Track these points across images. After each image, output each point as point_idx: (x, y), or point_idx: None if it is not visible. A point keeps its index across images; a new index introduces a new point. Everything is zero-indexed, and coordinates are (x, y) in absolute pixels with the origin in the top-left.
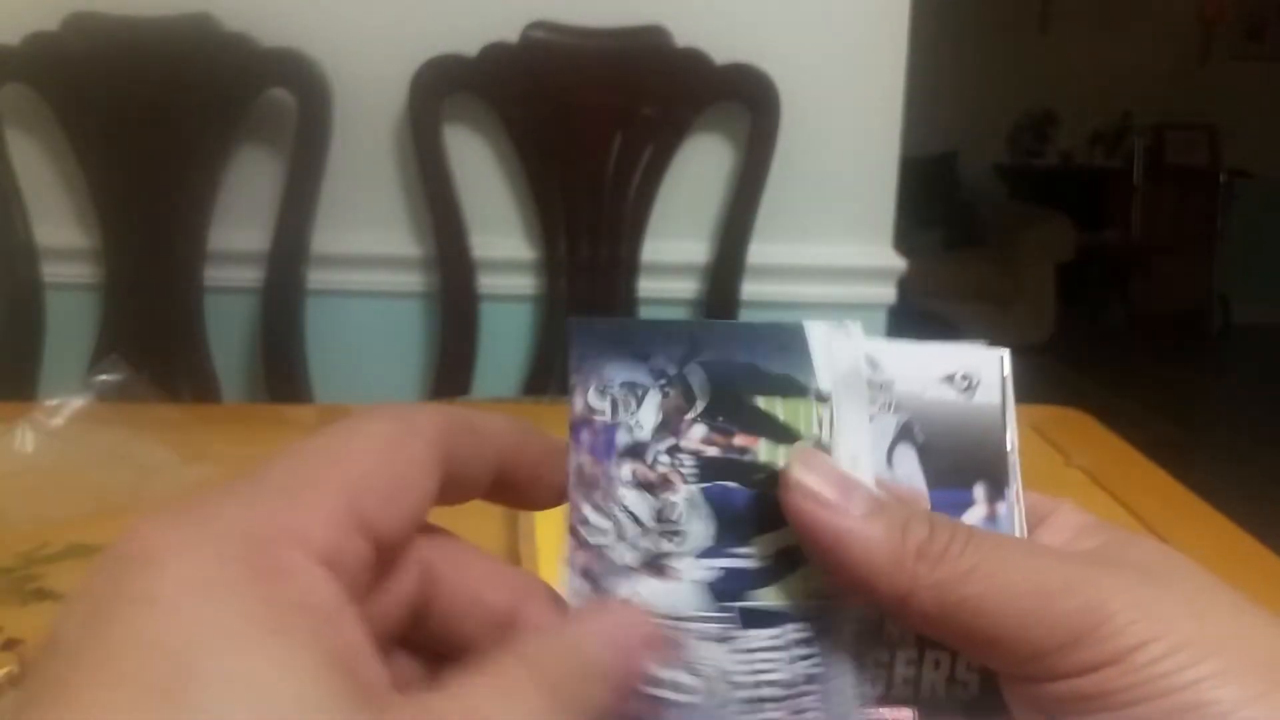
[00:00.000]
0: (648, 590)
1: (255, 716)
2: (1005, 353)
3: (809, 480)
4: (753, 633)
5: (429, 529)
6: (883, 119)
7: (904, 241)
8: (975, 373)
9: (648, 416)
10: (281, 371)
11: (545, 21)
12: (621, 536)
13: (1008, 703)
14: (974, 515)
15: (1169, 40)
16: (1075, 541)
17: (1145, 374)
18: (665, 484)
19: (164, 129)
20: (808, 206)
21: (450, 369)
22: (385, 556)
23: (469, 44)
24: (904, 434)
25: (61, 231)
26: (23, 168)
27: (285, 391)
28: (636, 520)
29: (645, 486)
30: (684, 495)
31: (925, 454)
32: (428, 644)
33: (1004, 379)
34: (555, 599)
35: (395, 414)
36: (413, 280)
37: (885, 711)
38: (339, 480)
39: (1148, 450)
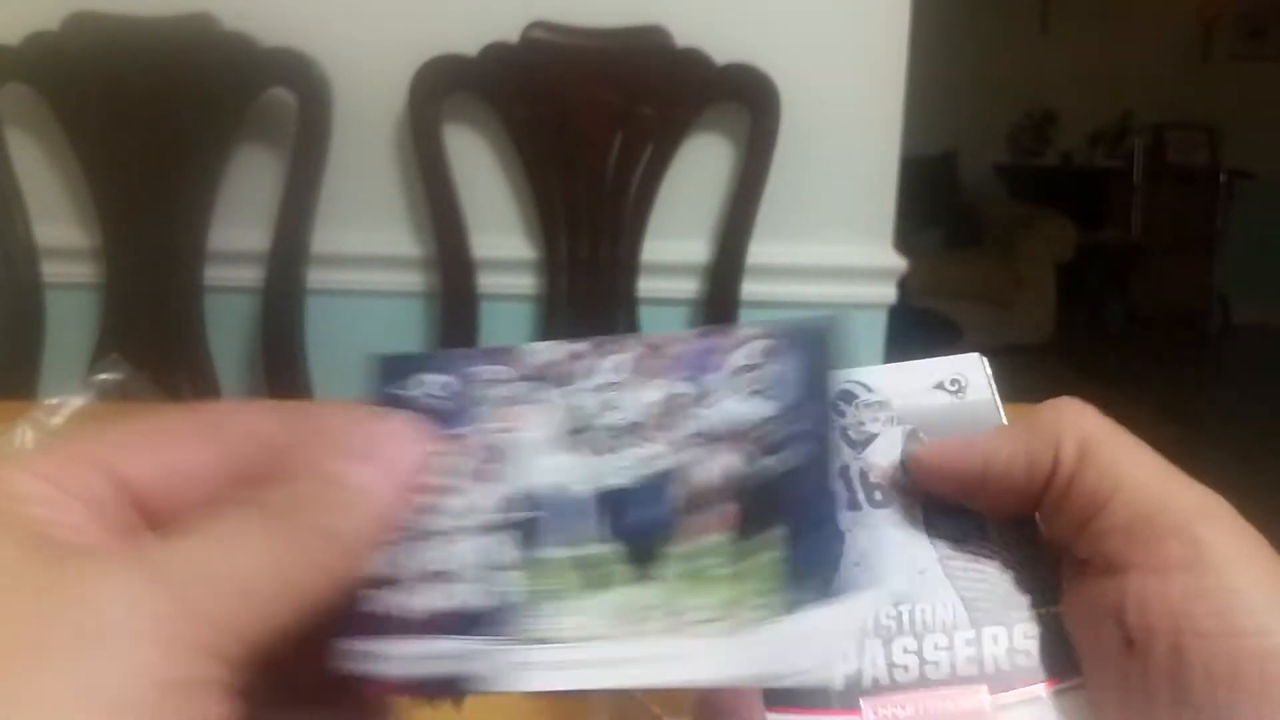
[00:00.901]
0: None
1: None
2: (980, 355)
3: (933, 447)
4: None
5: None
6: (883, 119)
7: (904, 241)
8: (962, 376)
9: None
10: (281, 371)
11: (545, 21)
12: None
13: (1071, 630)
14: None
15: (1169, 40)
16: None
17: (1145, 374)
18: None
19: (164, 129)
20: (808, 206)
21: None
22: (156, 506)
23: (469, 44)
24: (911, 440)
25: (61, 231)
26: (23, 168)
27: (285, 391)
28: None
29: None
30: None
31: None
32: None
33: (988, 377)
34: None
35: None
36: (413, 280)
37: (957, 691)
38: (95, 435)
39: None
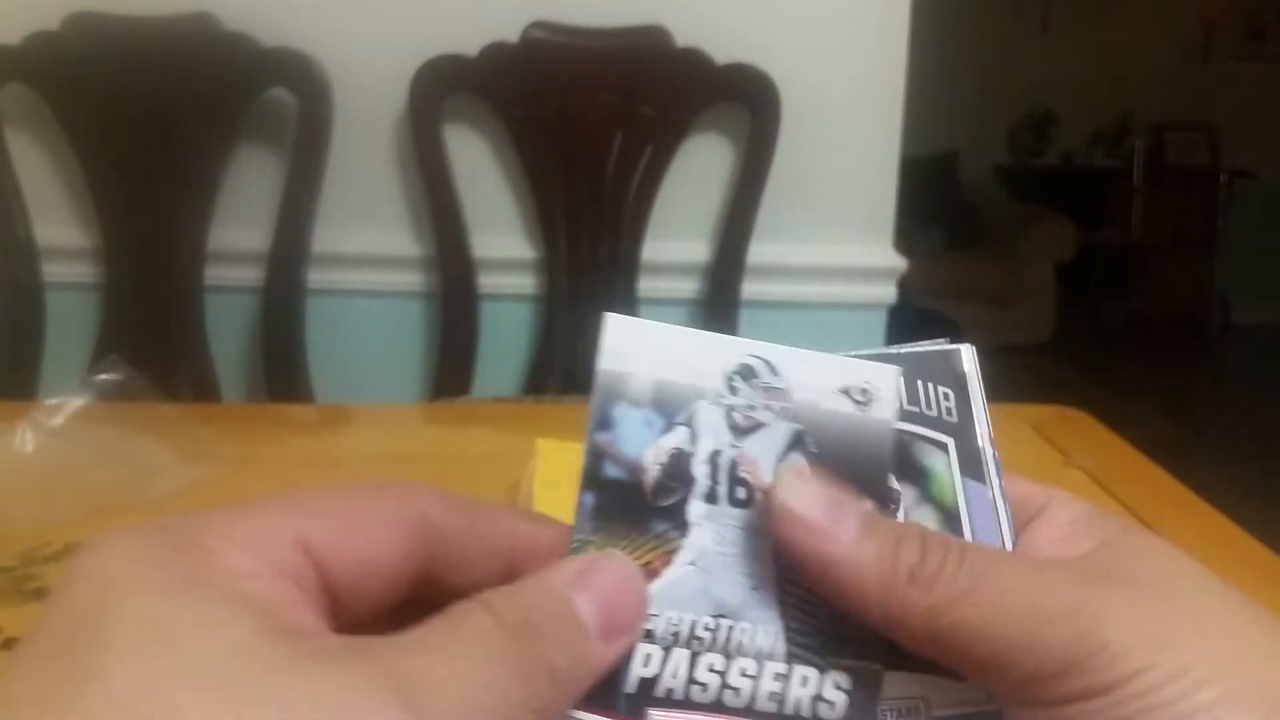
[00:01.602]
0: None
1: (156, 638)
2: (897, 370)
3: (795, 505)
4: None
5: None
6: (883, 119)
7: (904, 241)
8: (872, 387)
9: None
10: (281, 371)
11: (545, 21)
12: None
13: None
14: None
15: (1169, 40)
16: (1070, 539)
17: (1145, 374)
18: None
19: (164, 129)
20: (808, 206)
21: (450, 368)
22: (345, 597)
23: (469, 44)
24: (796, 443)
25: (61, 231)
26: (23, 168)
27: (285, 391)
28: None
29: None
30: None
31: (817, 466)
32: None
33: (899, 395)
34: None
35: (373, 482)
36: (413, 280)
37: None
38: (284, 503)
39: (1148, 450)
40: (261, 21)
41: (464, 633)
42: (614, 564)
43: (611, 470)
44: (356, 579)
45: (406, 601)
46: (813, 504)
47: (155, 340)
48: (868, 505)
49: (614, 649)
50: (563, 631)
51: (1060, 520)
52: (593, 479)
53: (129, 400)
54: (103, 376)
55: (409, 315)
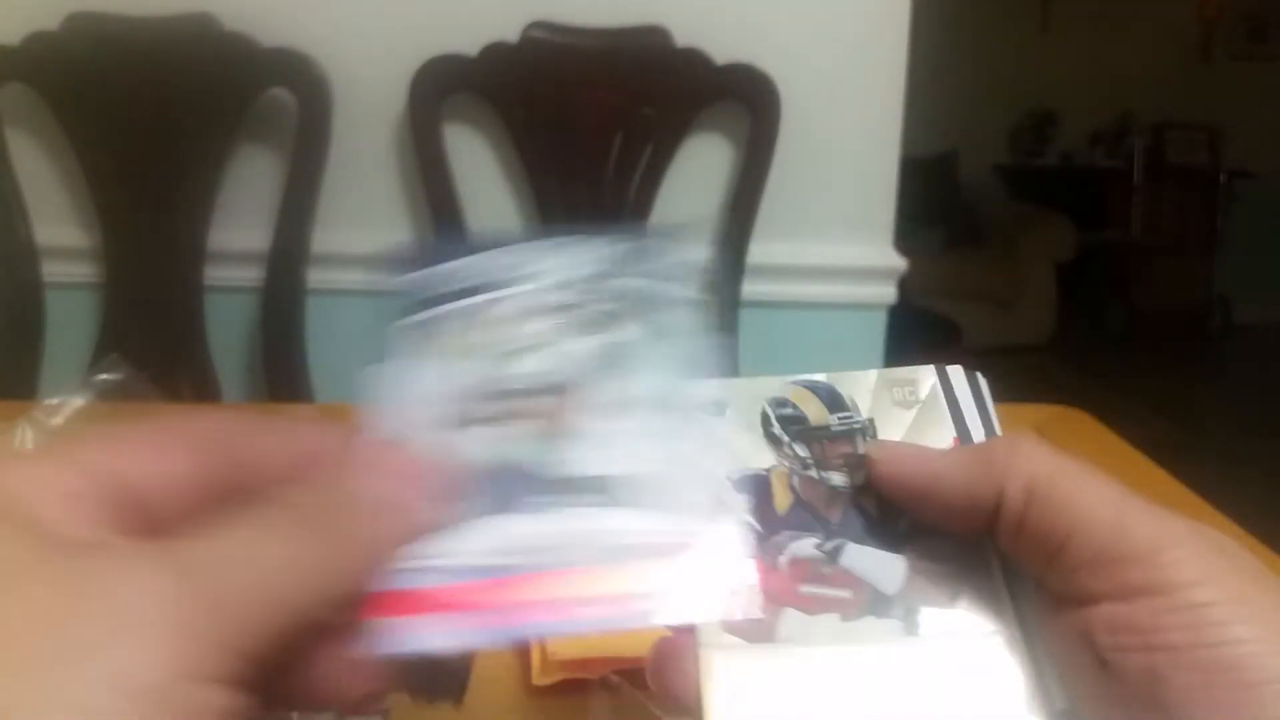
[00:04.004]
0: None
1: None
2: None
3: (889, 451)
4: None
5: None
6: (883, 119)
7: (904, 241)
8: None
9: None
10: (281, 371)
11: (545, 21)
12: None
13: (1049, 638)
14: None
15: (1169, 40)
16: None
17: (1145, 374)
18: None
19: (164, 129)
20: (808, 207)
21: None
22: (152, 510)
23: (469, 44)
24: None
25: (61, 231)
26: (23, 168)
27: (285, 391)
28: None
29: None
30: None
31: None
32: None
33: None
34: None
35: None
36: None
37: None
38: (90, 441)
39: (1148, 450)
40: (261, 21)
41: (251, 518)
42: (397, 449)
43: None
44: (162, 491)
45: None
46: (902, 449)
47: (155, 340)
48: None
49: (434, 508)
50: (357, 507)
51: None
52: None
53: (129, 400)
54: (103, 376)
55: None
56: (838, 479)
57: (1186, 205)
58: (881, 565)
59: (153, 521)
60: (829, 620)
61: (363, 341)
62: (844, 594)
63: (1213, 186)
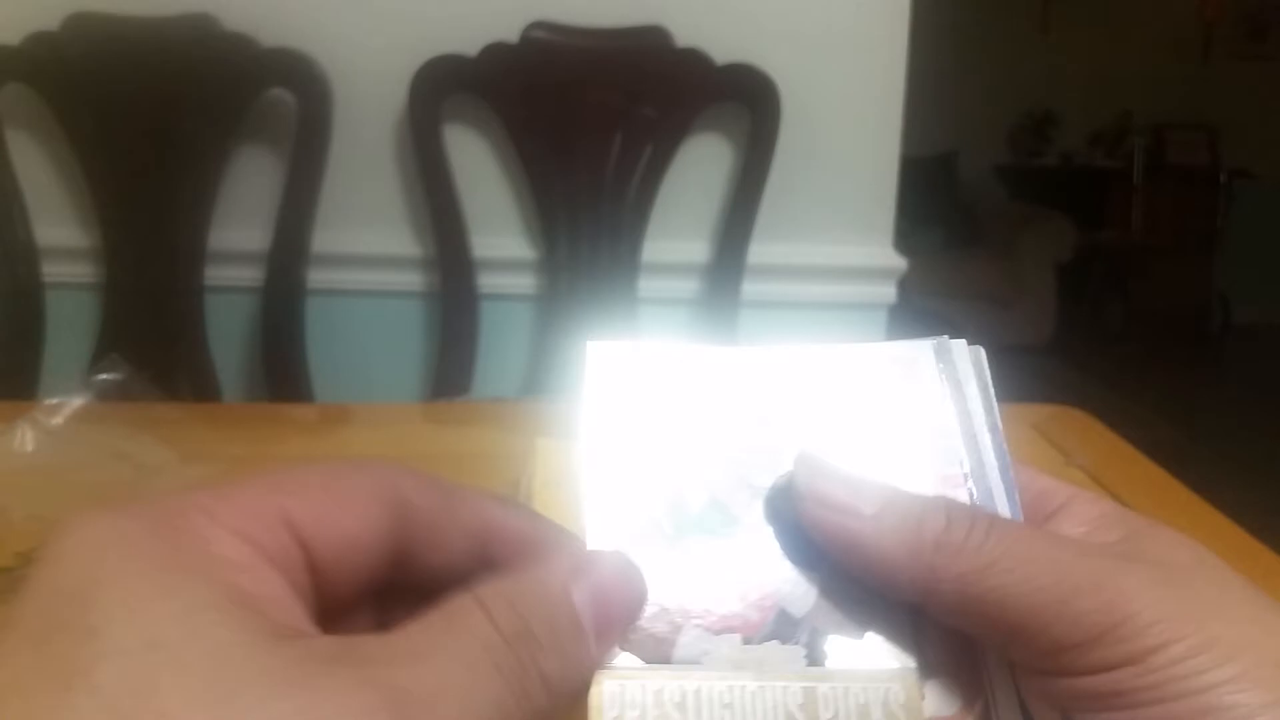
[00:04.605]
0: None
1: (143, 636)
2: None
3: (817, 485)
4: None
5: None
6: (883, 119)
7: (904, 241)
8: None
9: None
10: (281, 371)
11: (545, 21)
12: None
13: (1024, 698)
14: None
15: (1169, 40)
16: (1095, 533)
17: (1145, 374)
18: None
19: (164, 129)
20: (808, 206)
21: (450, 369)
22: (326, 575)
23: (469, 44)
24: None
25: (61, 231)
26: (23, 168)
27: (285, 391)
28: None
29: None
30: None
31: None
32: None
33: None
34: (541, 531)
35: (348, 459)
36: (413, 280)
37: None
38: (268, 480)
39: (1148, 450)
40: (261, 22)
41: (459, 639)
42: (611, 560)
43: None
44: (339, 556)
45: (385, 582)
46: (831, 483)
47: (155, 340)
48: (890, 485)
49: (606, 648)
50: (559, 637)
51: (1084, 515)
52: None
53: (129, 400)
54: (103, 376)
55: (409, 315)
56: (760, 476)
57: (1186, 205)
58: (792, 583)
59: (326, 586)
60: (730, 641)
61: (363, 342)
62: (749, 612)
63: (1213, 187)
